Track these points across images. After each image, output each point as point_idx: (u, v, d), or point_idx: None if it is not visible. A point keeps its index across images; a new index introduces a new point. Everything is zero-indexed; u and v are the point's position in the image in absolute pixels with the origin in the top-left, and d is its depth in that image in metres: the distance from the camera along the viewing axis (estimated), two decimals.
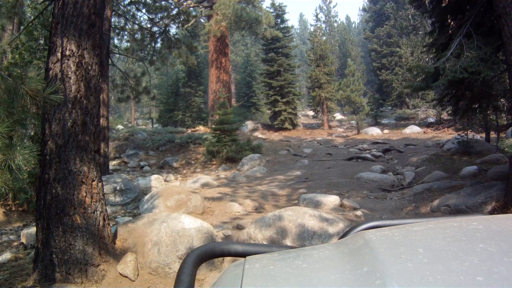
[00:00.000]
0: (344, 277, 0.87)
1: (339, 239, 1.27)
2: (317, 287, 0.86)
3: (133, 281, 4.95)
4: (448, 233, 1.05)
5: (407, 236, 1.06)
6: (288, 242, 5.57)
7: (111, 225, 5.69)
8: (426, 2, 10.55)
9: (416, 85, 8.85)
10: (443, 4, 9.58)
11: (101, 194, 5.23)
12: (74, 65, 5.05)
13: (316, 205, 8.38)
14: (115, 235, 5.71)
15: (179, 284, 1.04)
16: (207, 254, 1.23)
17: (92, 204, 5.03)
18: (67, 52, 5.05)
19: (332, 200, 8.73)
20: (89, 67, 5.20)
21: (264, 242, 5.66)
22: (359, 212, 8.06)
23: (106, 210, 5.37)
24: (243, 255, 1.24)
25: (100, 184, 5.25)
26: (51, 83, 4.85)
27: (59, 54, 5.05)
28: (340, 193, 9.96)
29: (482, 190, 7.69)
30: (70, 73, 5.02)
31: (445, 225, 1.15)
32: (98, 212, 5.10)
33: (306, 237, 5.58)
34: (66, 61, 5.04)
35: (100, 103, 5.55)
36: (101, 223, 5.11)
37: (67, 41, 5.06)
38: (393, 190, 10.61)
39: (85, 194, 4.96)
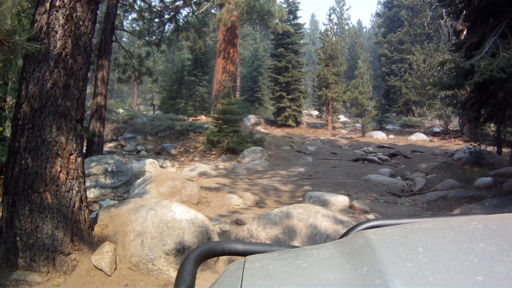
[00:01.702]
0: (344, 276, 0.86)
1: (339, 238, 1.25)
2: (317, 286, 0.85)
3: (109, 275, 4.17)
4: (448, 232, 1.03)
5: (407, 235, 1.04)
6: (296, 244, 4.73)
7: (89, 208, 4.92)
8: (457, 1, 10.02)
9: (446, 83, 8.17)
10: (475, 4, 9.07)
11: (79, 170, 4.44)
12: (62, 18, 4.28)
13: (324, 204, 7.63)
14: (95, 221, 4.94)
15: (180, 283, 1.01)
16: (209, 253, 1.22)
17: (68, 181, 4.25)
18: (57, 3, 4.28)
19: (341, 200, 8.00)
20: (81, 22, 4.43)
21: (268, 242, 4.90)
22: (371, 216, 7.37)
23: (84, 191, 4.58)
24: (243, 254, 1.24)
25: (79, 159, 4.46)
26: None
27: (47, 5, 4.29)
28: (348, 193, 9.26)
29: (510, 203, 6.98)
30: (57, 26, 4.25)
31: (445, 224, 1.12)
32: (74, 192, 4.31)
33: (318, 240, 4.75)
34: (54, 12, 4.27)
35: (89, 64, 4.77)
36: (76, 205, 4.33)
37: None
38: (403, 195, 10.07)
39: (59, 169, 4.18)
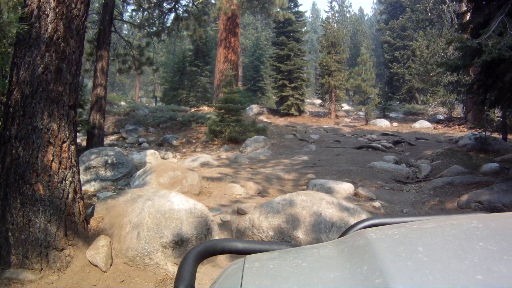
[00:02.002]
0: (344, 276, 0.86)
1: (339, 237, 1.24)
2: (317, 286, 0.85)
3: (104, 271, 3.99)
4: (448, 231, 1.03)
5: (407, 234, 1.04)
6: (300, 233, 4.56)
7: (85, 200, 4.74)
8: None
9: (452, 63, 7.92)
10: None
11: (73, 160, 4.24)
12: (54, 1, 4.09)
13: (328, 192, 7.43)
14: (91, 214, 4.76)
15: (180, 281, 1.01)
16: (208, 251, 1.22)
17: (60, 171, 4.06)
18: None
19: (345, 188, 7.82)
20: (72, 5, 4.24)
21: (270, 232, 4.74)
22: (377, 204, 7.15)
23: (79, 181, 4.40)
24: (243, 252, 1.24)
25: (73, 147, 4.26)
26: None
27: None
28: (353, 181, 9.07)
29: None
30: (48, 9, 4.07)
31: (445, 223, 1.12)
32: (68, 182, 4.13)
33: (323, 229, 4.54)
34: None
35: (83, 49, 4.56)
36: (70, 196, 4.15)
37: None
38: (409, 182, 9.86)
39: (51, 158, 3.99)
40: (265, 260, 1.06)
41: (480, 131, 13.77)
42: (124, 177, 9.36)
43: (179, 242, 4.21)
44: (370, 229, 1.15)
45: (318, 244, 1.17)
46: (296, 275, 0.92)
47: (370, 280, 0.79)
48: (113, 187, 8.85)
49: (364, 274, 0.82)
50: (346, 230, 1.31)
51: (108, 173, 9.17)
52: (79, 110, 12.61)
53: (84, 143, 13.54)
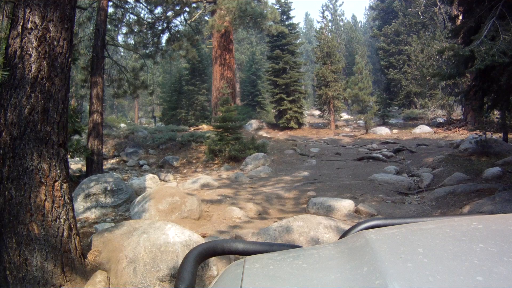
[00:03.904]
0: (344, 277, 0.86)
1: (339, 238, 1.26)
2: (317, 287, 0.85)
3: None
4: (448, 233, 1.04)
5: (407, 235, 1.05)
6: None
7: (86, 228, 4.71)
8: None
9: (446, 73, 7.88)
10: None
11: (66, 198, 4.23)
12: (35, 40, 4.09)
13: (328, 210, 7.40)
14: (89, 247, 4.73)
15: (181, 282, 1.03)
16: (209, 252, 1.23)
17: (54, 210, 4.04)
18: (29, 25, 4.10)
19: (345, 205, 7.76)
20: (55, 43, 4.24)
21: None
22: None
23: (74, 218, 4.37)
24: (244, 253, 1.26)
25: (65, 185, 4.25)
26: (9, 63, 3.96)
27: (19, 28, 4.11)
28: (354, 196, 9.02)
29: None
30: (30, 49, 4.07)
31: (444, 224, 1.13)
32: (62, 220, 4.11)
33: None
34: (27, 35, 4.09)
35: (69, 86, 4.56)
36: (65, 234, 4.12)
37: (30, 12, 4.12)
38: (410, 194, 9.77)
39: (44, 198, 3.98)
40: (265, 261, 1.08)
41: (480, 133, 13.76)
42: (124, 203, 9.33)
43: (176, 275, 4.18)
44: (370, 230, 1.16)
45: (318, 246, 1.19)
46: (296, 276, 0.93)
47: (370, 281, 0.79)
48: (114, 214, 8.80)
49: (364, 275, 0.83)
50: (346, 232, 1.33)
51: (108, 200, 9.13)
52: (77, 137, 12.63)
53: (84, 168, 13.54)
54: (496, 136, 16.19)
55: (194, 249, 1.19)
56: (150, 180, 11.57)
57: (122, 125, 33.18)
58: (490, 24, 7.28)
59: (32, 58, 4.05)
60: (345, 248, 1.05)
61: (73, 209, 4.41)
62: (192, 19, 20.16)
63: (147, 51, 18.33)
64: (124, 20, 17.45)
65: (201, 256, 1.18)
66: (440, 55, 10.06)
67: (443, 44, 23.12)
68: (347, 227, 5.03)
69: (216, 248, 1.25)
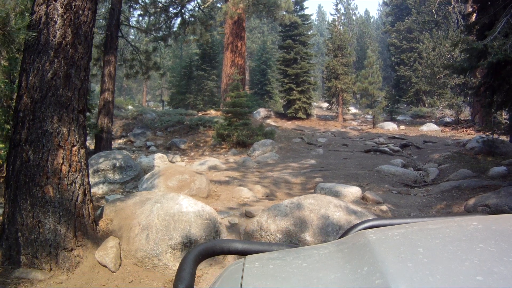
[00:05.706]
0: (344, 276, 0.87)
1: (339, 238, 1.26)
2: (317, 286, 0.85)
3: (113, 272, 4.03)
4: (448, 233, 1.05)
5: (407, 235, 1.06)
6: (308, 236, 4.59)
7: (93, 203, 4.78)
8: None
9: (459, 65, 7.89)
10: None
11: (82, 163, 4.30)
12: (61, 8, 4.15)
13: (335, 195, 7.42)
14: (100, 215, 4.81)
15: (179, 282, 1.02)
16: (207, 252, 1.22)
17: (70, 174, 4.12)
18: None
19: (353, 191, 7.81)
20: (80, 11, 4.30)
21: (278, 234, 4.77)
22: (384, 207, 7.14)
23: (88, 184, 4.45)
24: (243, 253, 1.24)
25: (82, 151, 4.32)
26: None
27: None
28: (360, 185, 9.06)
29: None
30: (56, 16, 4.14)
31: (445, 225, 1.14)
32: (77, 185, 4.18)
33: (331, 232, 4.56)
34: (53, 2, 4.17)
35: (91, 55, 4.63)
36: (79, 198, 4.20)
37: None
38: (416, 186, 9.80)
39: (61, 161, 4.05)
40: (265, 261, 1.07)
41: (487, 134, 13.74)
42: (132, 180, 9.41)
43: (187, 244, 4.24)
44: (370, 230, 1.16)
45: (318, 245, 1.18)
46: (296, 275, 0.93)
47: (370, 281, 0.79)
48: (121, 190, 8.89)
49: (364, 275, 0.83)
50: (346, 231, 1.34)
51: (116, 176, 9.22)
52: (88, 114, 12.71)
53: (92, 147, 13.62)
54: (502, 138, 16.15)
55: (192, 249, 1.19)
56: (159, 159, 11.64)
57: (130, 107, 33.15)
58: (504, 21, 7.28)
59: (57, 25, 4.11)
60: (345, 248, 1.05)
61: (88, 175, 4.49)
62: (206, 5, 20.09)
63: (160, 33, 18.31)
64: (139, 1, 17.42)
65: (200, 256, 1.17)
66: (455, 47, 9.97)
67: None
68: (356, 209, 5.08)
69: (215, 248, 1.24)
